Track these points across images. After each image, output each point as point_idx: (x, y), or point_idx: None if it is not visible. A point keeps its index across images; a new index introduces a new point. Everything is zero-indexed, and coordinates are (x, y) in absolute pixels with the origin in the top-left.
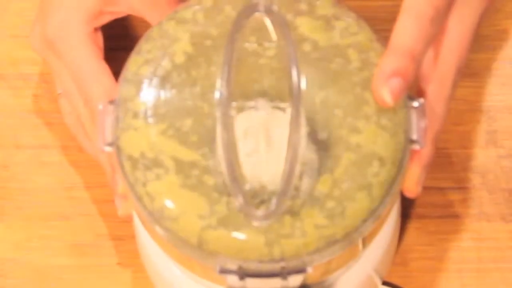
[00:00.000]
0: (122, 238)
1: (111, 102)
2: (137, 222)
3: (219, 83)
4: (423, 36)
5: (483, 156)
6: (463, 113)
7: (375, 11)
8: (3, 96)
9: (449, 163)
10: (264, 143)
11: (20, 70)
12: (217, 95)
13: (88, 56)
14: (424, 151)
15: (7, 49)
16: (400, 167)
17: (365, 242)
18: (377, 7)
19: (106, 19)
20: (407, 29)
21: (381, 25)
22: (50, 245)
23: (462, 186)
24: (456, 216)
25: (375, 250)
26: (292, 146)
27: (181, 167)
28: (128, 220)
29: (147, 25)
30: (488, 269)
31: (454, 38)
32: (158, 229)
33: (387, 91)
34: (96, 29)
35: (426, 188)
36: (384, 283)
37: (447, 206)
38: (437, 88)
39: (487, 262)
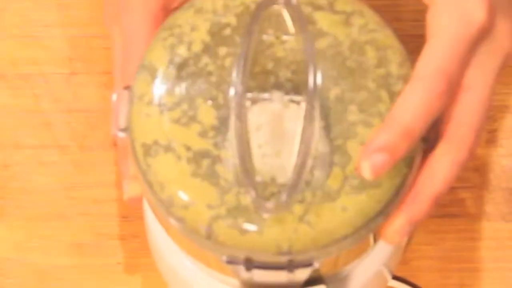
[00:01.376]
0: (122, 238)
1: (126, 88)
2: (148, 216)
3: (234, 74)
4: (427, 113)
5: (483, 156)
6: None
7: (377, 10)
8: (3, 96)
9: None
10: (277, 135)
11: (20, 70)
12: (232, 86)
13: (142, 32)
14: (416, 205)
15: (7, 49)
16: (411, 166)
17: (376, 237)
18: (378, 7)
19: (179, 2)
20: (411, 104)
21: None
22: (50, 245)
23: (462, 186)
24: (456, 216)
25: (386, 245)
26: (305, 140)
27: (193, 155)
28: (133, 206)
29: None
30: (488, 269)
31: (474, 97)
32: (167, 217)
33: (367, 166)
34: (165, 10)
35: None
36: (394, 277)
37: (447, 206)
38: (448, 151)
39: (487, 262)
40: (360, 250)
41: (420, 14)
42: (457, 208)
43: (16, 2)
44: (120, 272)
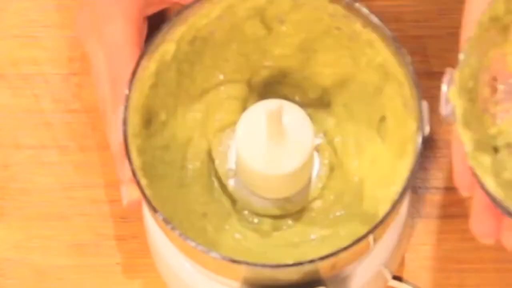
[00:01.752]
0: (122, 238)
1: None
2: (148, 218)
3: None
4: None
5: None
6: None
7: (381, 11)
8: (3, 96)
9: (448, 163)
10: None
11: (20, 70)
12: None
13: (128, 40)
14: None
15: (7, 49)
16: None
17: (376, 238)
18: (378, 7)
19: (154, 8)
20: None
21: (387, 25)
22: (50, 245)
23: None
24: (456, 216)
25: (385, 246)
26: None
27: None
28: (133, 210)
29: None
30: (488, 269)
31: None
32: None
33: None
34: (144, 18)
35: (426, 188)
36: (394, 277)
37: (447, 206)
38: None
39: (487, 262)
40: (360, 252)
41: (420, 14)
42: (457, 208)
43: (16, 2)
44: (119, 273)
